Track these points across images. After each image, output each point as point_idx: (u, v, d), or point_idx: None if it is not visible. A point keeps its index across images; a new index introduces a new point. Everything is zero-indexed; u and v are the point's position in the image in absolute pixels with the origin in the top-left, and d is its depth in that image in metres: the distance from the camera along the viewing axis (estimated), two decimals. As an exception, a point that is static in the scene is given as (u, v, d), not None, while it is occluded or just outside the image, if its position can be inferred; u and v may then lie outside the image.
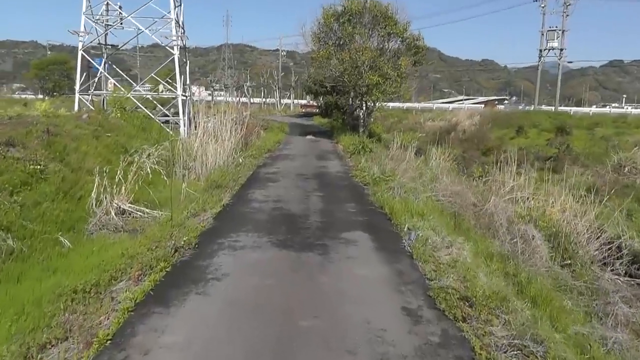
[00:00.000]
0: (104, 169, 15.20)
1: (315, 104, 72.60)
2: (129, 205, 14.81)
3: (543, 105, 78.48)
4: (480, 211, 16.36)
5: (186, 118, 37.12)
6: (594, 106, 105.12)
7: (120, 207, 14.52)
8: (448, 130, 52.92)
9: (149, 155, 16.91)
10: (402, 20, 32.52)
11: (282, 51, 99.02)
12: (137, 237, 12.01)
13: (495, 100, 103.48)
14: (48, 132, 19.18)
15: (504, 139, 44.83)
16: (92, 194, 14.26)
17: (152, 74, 40.31)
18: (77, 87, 35.52)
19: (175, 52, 36.57)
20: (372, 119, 38.77)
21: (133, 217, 14.44)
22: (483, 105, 78.19)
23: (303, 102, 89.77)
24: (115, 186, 14.36)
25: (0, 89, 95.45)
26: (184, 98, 39.16)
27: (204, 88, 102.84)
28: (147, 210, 14.60)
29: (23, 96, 70.93)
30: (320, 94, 59.55)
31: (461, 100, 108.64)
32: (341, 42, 33.35)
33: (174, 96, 37.25)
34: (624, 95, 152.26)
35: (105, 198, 13.95)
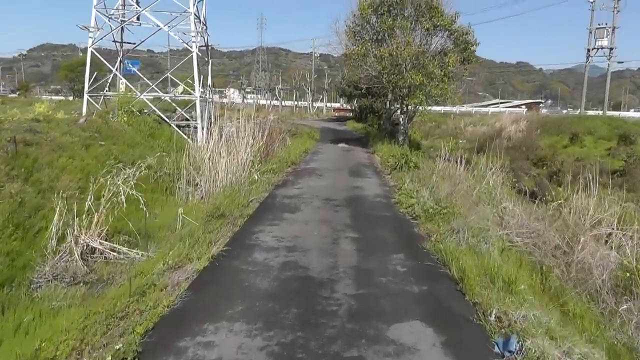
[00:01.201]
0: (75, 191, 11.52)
1: (349, 107, 67.92)
2: (101, 241, 10.98)
3: (585, 110, 73.27)
4: (569, 260, 11.70)
5: (205, 122, 33.16)
6: (632, 110, 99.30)
7: (88, 245, 10.68)
8: (492, 137, 47.78)
9: (127, 177, 12.53)
10: (449, 12, 27.71)
11: (315, 53, 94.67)
12: (94, 297, 8.57)
13: (538, 103, 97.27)
14: (15, 142, 15.04)
15: (556, 148, 39.65)
16: (52, 227, 10.66)
17: (168, 74, 36.09)
18: (85, 87, 31.57)
19: (194, 49, 32.53)
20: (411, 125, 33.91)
21: (106, 257, 10.70)
22: (525, 109, 72.45)
23: (336, 105, 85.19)
24: (84, 216, 10.67)
25: (33, 90, 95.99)
26: (204, 100, 35.09)
27: (236, 91, 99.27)
28: (125, 249, 10.92)
29: (53, 97, 70.52)
30: (355, 96, 55.05)
31: (496, 103, 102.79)
32: (379, 37, 28.61)
33: (193, 98, 33.24)
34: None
35: (70, 232, 10.38)
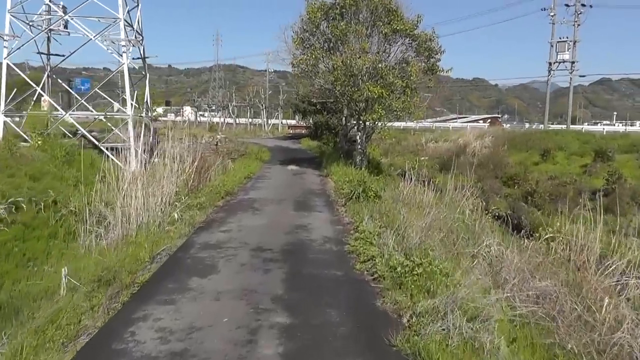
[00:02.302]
0: None
1: (304, 124, 64.17)
2: None
3: (536, 124, 71.79)
4: (598, 338, 8.08)
5: (140, 144, 29.02)
6: (586, 124, 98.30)
7: None
8: (456, 154, 44.65)
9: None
10: (410, 17, 24.21)
11: (270, 69, 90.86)
12: None
13: (496, 117, 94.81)
14: None
15: (526, 165, 36.48)
16: None
17: (97, 89, 31.83)
18: (1, 106, 27.12)
19: (125, 60, 28.42)
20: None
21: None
22: (487, 124, 69.72)
23: (292, 122, 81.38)
24: None
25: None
26: (140, 119, 31.05)
27: (193, 109, 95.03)
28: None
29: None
30: (309, 112, 51.37)
31: (454, 118, 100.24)
32: (331, 45, 24.93)
33: (125, 117, 29.26)
34: (615, 113, 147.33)
35: None
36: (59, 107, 28.60)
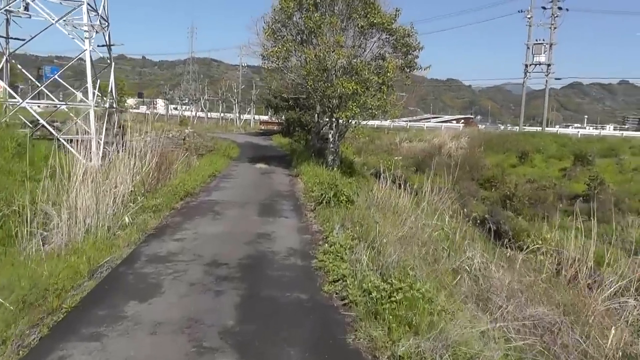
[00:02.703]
0: None
1: (276, 120, 62.53)
2: None
3: (509, 125, 71.39)
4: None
5: (102, 137, 27.38)
6: (557, 126, 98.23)
7: None
8: (431, 154, 43.69)
9: None
10: (388, 11, 22.85)
11: (244, 65, 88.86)
12: None
13: (469, 118, 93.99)
14: None
15: (503, 167, 35.54)
16: None
17: (57, 76, 29.91)
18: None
19: (87, 46, 26.65)
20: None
21: None
22: (461, 125, 68.83)
23: (264, 118, 79.62)
24: None
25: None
26: (103, 110, 29.34)
27: (165, 101, 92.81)
28: None
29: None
30: (282, 108, 49.76)
31: (428, 118, 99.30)
32: (304, 37, 23.46)
33: (86, 107, 27.46)
34: (586, 116, 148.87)
35: None
36: (15, 95, 26.73)
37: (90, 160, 24.40)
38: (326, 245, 10.60)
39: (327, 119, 26.72)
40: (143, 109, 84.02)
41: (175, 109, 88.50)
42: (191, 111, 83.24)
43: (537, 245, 12.33)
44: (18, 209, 12.96)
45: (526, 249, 13.20)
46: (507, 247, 13.62)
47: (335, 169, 23.12)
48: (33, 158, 20.30)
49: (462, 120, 79.46)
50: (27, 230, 10.85)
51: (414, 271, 8.38)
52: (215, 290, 8.08)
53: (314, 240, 11.52)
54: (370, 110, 22.11)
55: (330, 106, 23.48)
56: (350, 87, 20.48)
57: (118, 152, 17.96)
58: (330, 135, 25.00)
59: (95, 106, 27.90)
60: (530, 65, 59.82)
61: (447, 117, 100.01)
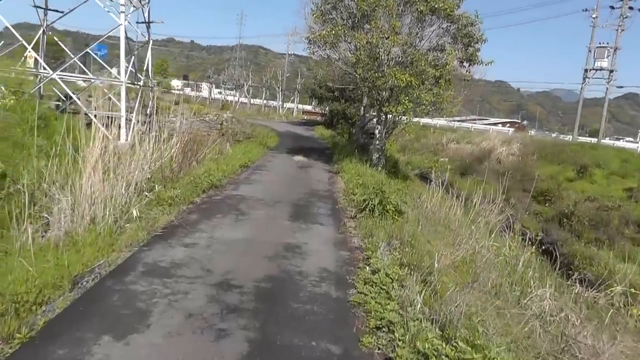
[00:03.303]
0: None
1: (319, 111, 60.36)
2: None
3: (556, 133, 67.77)
4: None
5: (135, 115, 25.78)
6: (607, 138, 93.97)
7: None
8: (479, 158, 41.10)
9: None
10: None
11: (291, 53, 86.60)
12: None
13: (516, 123, 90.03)
14: None
15: (558, 180, 32.71)
16: None
17: (100, 53, 28.38)
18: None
19: (121, 20, 25.00)
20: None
21: None
22: (511, 129, 65.55)
23: (308, 108, 77.51)
24: None
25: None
26: (135, 87, 27.73)
27: (206, 85, 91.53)
28: None
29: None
30: (326, 99, 47.62)
31: (474, 119, 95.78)
32: (356, 22, 21.16)
33: (117, 84, 25.95)
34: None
35: None
36: (46, 66, 25.13)
37: (119, 139, 22.75)
38: (368, 269, 8.44)
39: (375, 113, 24.46)
40: (187, 91, 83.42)
41: (220, 93, 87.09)
42: (234, 96, 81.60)
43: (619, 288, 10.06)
44: (24, 188, 11.27)
45: (599, 285, 10.98)
46: (575, 282, 11.30)
47: (380, 168, 20.91)
48: (53, 132, 18.62)
49: (509, 124, 75.97)
50: (27, 214, 9.09)
51: (484, 326, 6.19)
52: (218, 329, 5.98)
53: (353, 259, 9.33)
54: (423, 106, 19.80)
55: (380, 99, 21.21)
56: (404, 79, 18.19)
57: (145, 132, 16.32)
58: (377, 131, 22.70)
59: (129, 83, 26.28)
60: (590, 70, 56.03)
61: (493, 120, 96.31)
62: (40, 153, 15.30)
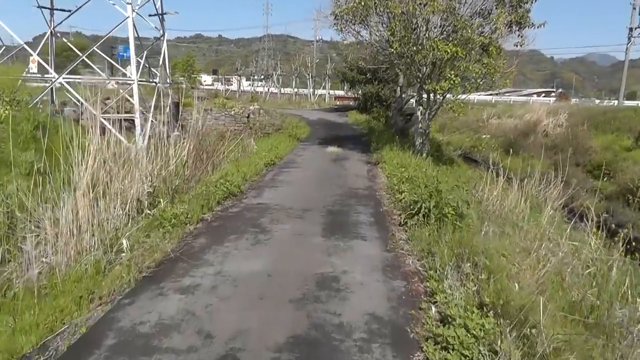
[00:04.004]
0: None
1: (352, 95, 57.38)
2: None
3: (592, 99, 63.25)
4: None
5: (150, 117, 23.55)
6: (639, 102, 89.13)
7: None
8: (525, 133, 37.80)
9: None
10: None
11: (319, 39, 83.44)
12: None
13: (550, 92, 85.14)
14: None
15: (615, 150, 29.36)
16: None
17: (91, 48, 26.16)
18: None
19: (128, 12, 22.73)
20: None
21: None
22: (552, 99, 61.57)
23: (340, 93, 74.45)
24: None
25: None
26: (155, 86, 25.53)
27: (234, 78, 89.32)
28: None
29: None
30: (358, 82, 44.79)
31: (509, 92, 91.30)
32: (388, -10, 18.22)
33: (129, 82, 23.77)
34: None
35: None
36: (50, 69, 22.96)
37: (137, 144, 20.49)
38: (434, 312, 5.82)
39: (415, 93, 21.53)
40: (218, 85, 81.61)
41: (250, 85, 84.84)
42: (264, 87, 79.12)
43: None
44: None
45: None
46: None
47: (424, 154, 18.12)
48: (57, 142, 16.30)
49: (544, 94, 71.49)
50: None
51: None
52: None
53: (412, 294, 6.67)
54: (473, 80, 16.89)
55: (420, 76, 18.31)
56: (449, 50, 15.32)
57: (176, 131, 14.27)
58: (419, 112, 19.70)
59: (142, 81, 24.01)
60: (635, 28, 51.75)
61: (528, 91, 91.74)
62: (26, 170, 13.11)
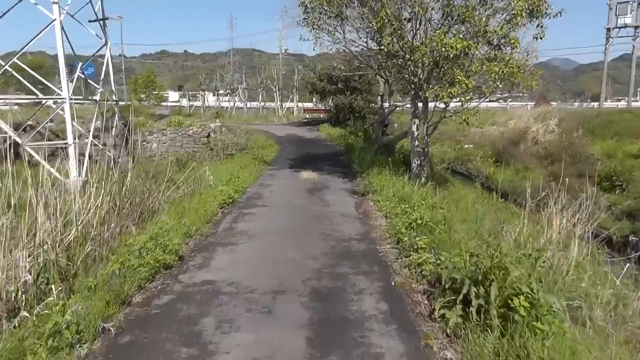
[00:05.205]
0: None
1: (322, 107, 53.28)
2: None
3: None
4: None
5: (88, 141, 19.50)
6: (609, 101, 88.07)
7: None
8: (513, 141, 34.50)
9: None
10: None
11: (285, 50, 79.31)
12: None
13: (540, 96, 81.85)
14: None
15: (619, 158, 26.14)
16: None
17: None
18: None
19: (55, 14, 18.63)
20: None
21: None
22: (532, 104, 58.42)
23: (309, 105, 70.27)
24: None
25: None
26: (85, 104, 21.35)
27: (199, 94, 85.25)
28: None
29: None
30: (329, 93, 41.00)
31: (472, 100, 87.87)
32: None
33: (60, 100, 19.75)
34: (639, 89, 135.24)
35: None
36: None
37: (69, 176, 16.37)
38: None
39: (399, 102, 17.54)
40: (183, 101, 78.64)
41: (216, 100, 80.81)
42: (229, 102, 74.93)
43: None
44: None
45: None
46: None
47: (423, 179, 14.15)
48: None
49: (510, 100, 67.88)
50: None
51: None
52: None
53: None
54: (489, 83, 12.95)
55: (416, 81, 14.24)
56: (457, 46, 11.38)
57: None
58: (414, 127, 15.54)
59: (78, 100, 19.85)
60: (613, 28, 49.39)
61: (497, 96, 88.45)
62: None
